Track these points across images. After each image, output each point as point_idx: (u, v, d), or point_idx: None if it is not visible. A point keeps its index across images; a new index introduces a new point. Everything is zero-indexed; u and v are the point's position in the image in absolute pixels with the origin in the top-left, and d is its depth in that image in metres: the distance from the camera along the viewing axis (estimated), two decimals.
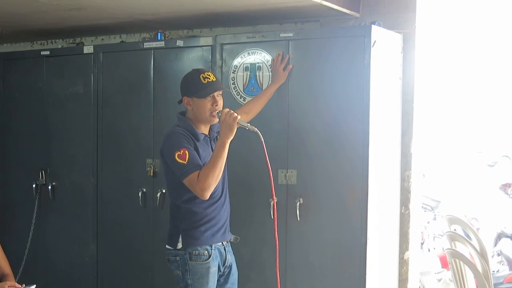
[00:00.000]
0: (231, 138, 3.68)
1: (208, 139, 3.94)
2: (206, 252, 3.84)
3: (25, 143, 5.81)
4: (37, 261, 5.71)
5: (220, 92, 3.89)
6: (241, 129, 3.73)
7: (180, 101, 3.93)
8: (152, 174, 5.07)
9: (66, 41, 6.34)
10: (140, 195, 5.12)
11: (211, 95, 3.81)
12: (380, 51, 4.28)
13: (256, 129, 3.78)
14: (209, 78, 3.83)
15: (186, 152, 3.68)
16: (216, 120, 3.85)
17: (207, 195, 3.70)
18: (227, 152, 3.69)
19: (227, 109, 3.74)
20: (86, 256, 5.48)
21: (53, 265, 5.67)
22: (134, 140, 5.22)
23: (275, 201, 3.99)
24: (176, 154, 3.68)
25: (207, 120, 3.87)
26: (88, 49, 5.41)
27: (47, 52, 5.67)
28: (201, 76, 3.82)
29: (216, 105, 3.82)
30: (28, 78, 5.80)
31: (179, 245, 3.85)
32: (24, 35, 6.25)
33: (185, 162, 3.67)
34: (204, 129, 3.92)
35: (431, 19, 5.06)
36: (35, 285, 3.77)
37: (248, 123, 3.83)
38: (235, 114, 3.68)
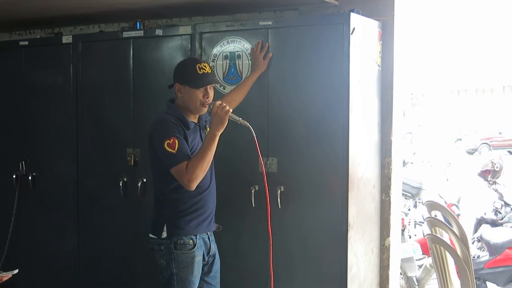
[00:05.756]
0: (222, 131, 3.69)
1: (198, 127, 3.94)
2: (191, 241, 3.85)
3: (5, 134, 5.77)
4: (18, 252, 5.67)
5: (213, 85, 3.91)
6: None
7: (171, 86, 3.93)
8: (132, 163, 5.06)
9: (45, 31, 6.31)
10: (121, 184, 5.10)
11: (204, 87, 3.81)
12: (359, 38, 4.29)
13: (247, 124, 3.79)
14: (205, 70, 3.82)
15: (176, 141, 3.67)
16: (205, 110, 3.86)
17: (194, 186, 3.70)
18: (217, 144, 3.70)
19: (219, 102, 3.75)
20: (67, 246, 5.46)
21: (34, 256, 5.64)
22: (114, 130, 5.21)
23: (268, 194, 3.99)
24: (166, 143, 3.66)
25: (196, 109, 3.86)
26: (67, 39, 5.38)
27: (26, 43, 5.62)
28: (197, 66, 3.80)
29: (207, 97, 3.83)
30: (6, 68, 5.74)
31: (164, 234, 3.84)
32: (2, 25, 6.19)
33: (174, 152, 3.65)
34: (194, 118, 3.92)
35: (410, 6, 5.08)
36: (17, 270, 3.73)
37: (240, 117, 3.82)
38: (227, 108, 3.68)
